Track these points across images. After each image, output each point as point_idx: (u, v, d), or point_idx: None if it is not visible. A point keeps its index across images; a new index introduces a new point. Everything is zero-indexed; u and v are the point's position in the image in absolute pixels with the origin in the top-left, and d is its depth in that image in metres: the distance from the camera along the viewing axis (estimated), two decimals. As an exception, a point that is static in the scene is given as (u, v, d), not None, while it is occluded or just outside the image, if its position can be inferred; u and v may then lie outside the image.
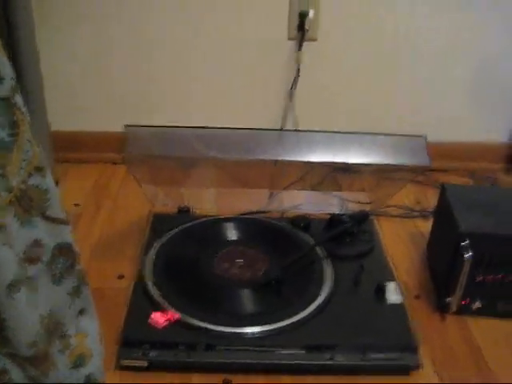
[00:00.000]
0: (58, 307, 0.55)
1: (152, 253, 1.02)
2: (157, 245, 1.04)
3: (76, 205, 1.28)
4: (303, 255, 1.01)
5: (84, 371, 0.59)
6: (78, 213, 1.25)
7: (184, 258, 1.02)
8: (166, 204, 1.22)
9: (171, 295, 0.91)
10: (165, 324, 0.87)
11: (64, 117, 1.38)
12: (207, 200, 1.27)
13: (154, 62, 1.35)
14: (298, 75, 1.33)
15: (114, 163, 1.43)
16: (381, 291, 0.95)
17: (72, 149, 1.41)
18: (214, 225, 1.11)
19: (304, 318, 0.88)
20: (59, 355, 0.55)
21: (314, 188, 1.28)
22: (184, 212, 1.17)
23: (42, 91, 1.27)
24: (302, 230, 1.10)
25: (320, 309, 0.90)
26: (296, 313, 0.88)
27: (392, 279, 0.99)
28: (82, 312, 0.59)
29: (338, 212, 1.16)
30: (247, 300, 0.94)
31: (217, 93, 1.39)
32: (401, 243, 1.17)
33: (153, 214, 1.17)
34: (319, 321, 0.89)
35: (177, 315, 0.87)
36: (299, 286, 0.95)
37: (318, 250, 1.04)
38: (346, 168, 1.27)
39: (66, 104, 1.38)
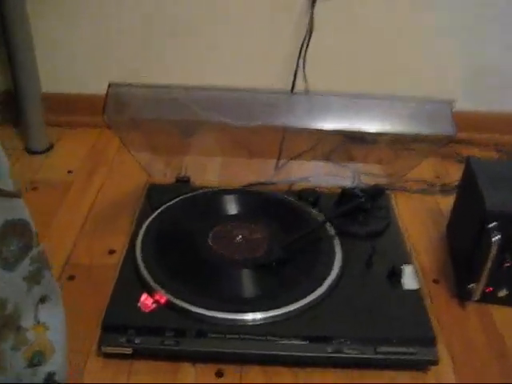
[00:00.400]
0: (12, 296, 0.46)
1: (144, 227, 0.92)
2: (150, 218, 0.95)
3: (69, 172, 1.18)
4: (310, 232, 0.91)
5: (43, 370, 0.50)
6: (69, 180, 1.16)
7: (178, 233, 0.92)
8: (165, 174, 1.12)
9: (161, 274, 0.82)
10: (152, 307, 0.78)
11: (57, 78, 1.28)
12: (208, 170, 1.17)
13: (154, 18, 1.23)
14: (310, 33, 1.20)
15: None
16: (395, 275, 0.85)
17: (66, 112, 1.31)
18: (213, 197, 1.01)
19: (308, 304, 0.79)
20: (12, 353, 0.46)
21: (324, 158, 1.18)
22: (183, 182, 1.07)
23: (31, 50, 1.17)
24: (310, 205, 1.00)
25: (327, 294, 0.81)
26: (299, 298, 0.79)
27: (408, 262, 0.89)
28: (42, 300, 0.50)
29: (350, 186, 1.05)
30: (245, 282, 0.84)
31: (220, 51, 1.27)
32: (419, 222, 1.06)
33: (148, 184, 1.07)
34: (325, 308, 0.79)
35: (165, 297, 0.79)
36: (304, 267, 0.85)
37: (327, 227, 0.94)
38: (360, 137, 1.15)
39: (58, 64, 1.28)
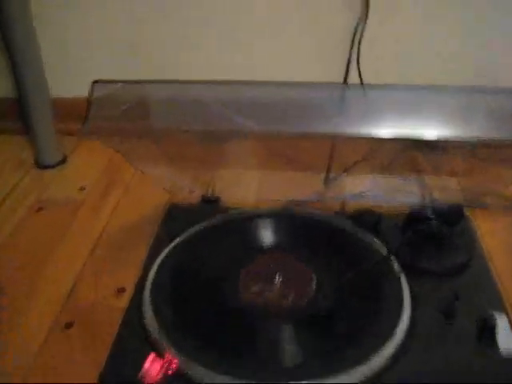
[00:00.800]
0: None
1: (158, 261, 0.74)
2: (166, 249, 0.76)
3: (81, 188, 1.01)
4: (369, 270, 0.70)
5: None
6: (80, 198, 0.99)
7: (199, 270, 0.73)
8: (191, 191, 0.93)
9: (174, 330, 0.63)
10: (158, 376, 0.59)
11: (68, 81, 1.12)
12: (243, 186, 0.98)
13: (177, 10, 1.05)
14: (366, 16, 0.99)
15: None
16: (488, 332, 0.63)
17: (81, 118, 1.15)
18: (244, 222, 0.81)
19: (369, 374, 0.58)
20: None
21: (385, 171, 0.96)
22: (210, 202, 0.88)
23: (37, 50, 1.00)
24: (368, 231, 0.79)
25: (392, 360, 0.60)
26: (356, 365, 0.58)
27: (502, 309, 0.67)
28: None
29: (419, 205, 0.83)
30: (285, 343, 0.64)
31: (257, 37, 1.08)
32: (510, 251, 0.83)
33: (168, 204, 0.89)
34: (392, 380, 0.58)
35: (176, 362, 0.59)
36: (362, 321, 0.64)
37: (392, 261, 0.72)
38: (430, 144, 0.93)
39: (68, 66, 1.12)
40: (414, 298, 0.67)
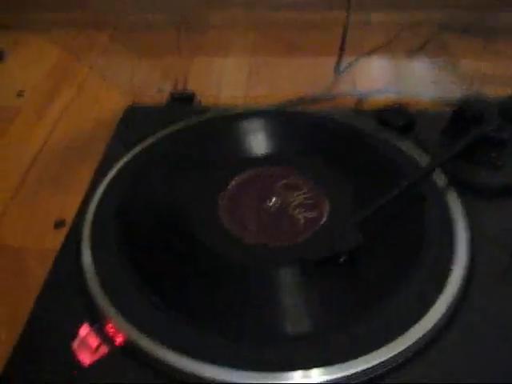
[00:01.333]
0: None
1: (104, 184, 0.52)
2: (116, 166, 0.54)
3: (19, 94, 0.78)
4: (406, 191, 0.48)
5: None
6: (16, 106, 0.76)
7: (161, 198, 0.51)
8: (161, 90, 0.70)
9: (121, 287, 0.42)
10: (98, 355, 0.39)
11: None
12: (228, 80, 0.74)
13: None
14: None
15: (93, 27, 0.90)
16: None
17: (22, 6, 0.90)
18: (229, 125, 0.57)
19: (412, 347, 0.38)
20: None
21: (416, 54, 0.73)
22: (182, 101, 0.65)
23: None
24: (398, 136, 0.57)
25: (446, 322, 0.40)
26: (394, 336, 0.38)
27: None
28: None
29: (465, 101, 0.60)
30: (286, 301, 0.43)
31: None
32: None
33: (126, 107, 0.66)
34: (447, 351, 0.38)
35: (121, 337, 0.39)
36: (400, 266, 0.43)
37: (437, 177, 0.51)
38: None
39: None
40: (471, 229, 0.46)
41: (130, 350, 0.39)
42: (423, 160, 0.52)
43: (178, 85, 0.69)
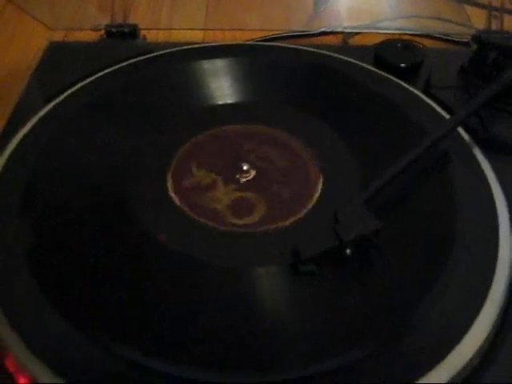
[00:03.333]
0: None
1: (15, 142, 0.37)
2: (32, 119, 0.39)
3: None
4: (424, 153, 0.35)
5: None
6: None
7: (84, 167, 0.36)
8: (98, 27, 0.55)
9: (29, 300, 0.28)
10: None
11: None
12: (180, 11, 0.59)
13: None
14: None
15: None
16: None
17: None
18: (180, 64, 0.42)
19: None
20: None
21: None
22: (121, 36, 0.50)
23: None
24: (403, 80, 0.43)
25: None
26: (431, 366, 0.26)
27: None
28: None
29: (486, 36, 0.47)
30: (269, 311, 0.29)
31: None
32: None
33: (49, 43, 0.51)
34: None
35: (25, 378, 0.26)
36: (426, 255, 0.31)
37: (461, 135, 0.38)
38: None
39: None
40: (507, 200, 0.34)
41: None
42: (438, 110, 0.40)
43: (115, 17, 0.54)
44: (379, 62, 0.46)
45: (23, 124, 0.39)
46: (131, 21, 0.54)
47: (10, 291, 0.29)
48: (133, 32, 0.50)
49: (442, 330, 0.27)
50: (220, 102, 0.41)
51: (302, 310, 0.29)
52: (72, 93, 0.41)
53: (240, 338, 0.27)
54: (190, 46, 0.44)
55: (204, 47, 0.44)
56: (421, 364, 0.25)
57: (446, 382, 0.25)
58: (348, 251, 0.29)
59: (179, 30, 0.56)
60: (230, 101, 0.41)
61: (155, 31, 0.55)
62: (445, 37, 0.55)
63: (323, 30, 0.55)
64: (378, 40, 0.48)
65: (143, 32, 0.52)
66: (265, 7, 0.60)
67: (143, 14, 0.59)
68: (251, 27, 0.56)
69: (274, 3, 0.60)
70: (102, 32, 0.52)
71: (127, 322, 0.28)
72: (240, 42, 0.50)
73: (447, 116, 0.39)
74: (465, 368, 0.26)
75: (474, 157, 0.36)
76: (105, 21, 0.55)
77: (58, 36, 0.58)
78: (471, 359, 0.26)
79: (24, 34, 0.60)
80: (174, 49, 0.43)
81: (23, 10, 0.59)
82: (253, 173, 0.35)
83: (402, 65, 0.45)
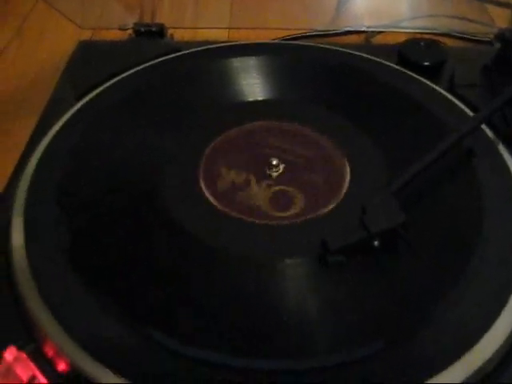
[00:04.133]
0: None
1: (45, 142, 0.38)
2: (62, 118, 0.40)
3: None
4: (451, 148, 0.36)
5: None
6: None
7: (117, 161, 0.37)
8: (126, 27, 0.56)
9: (68, 288, 0.30)
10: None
11: None
12: (206, 11, 0.60)
13: None
14: None
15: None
16: None
17: None
18: (209, 62, 0.43)
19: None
20: None
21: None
22: (149, 35, 0.51)
23: None
24: (427, 79, 0.44)
25: None
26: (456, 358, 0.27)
27: None
28: None
29: (507, 31, 0.48)
30: (301, 301, 0.30)
31: None
32: None
33: (78, 43, 0.52)
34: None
35: (65, 363, 0.27)
36: (453, 247, 0.32)
37: (485, 132, 0.39)
38: None
39: None
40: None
41: (77, 381, 0.27)
42: (462, 108, 0.41)
43: (144, 16, 0.55)
44: (403, 60, 0.46)
45: (55, 120, 0.40)
46: (157, 20, 0.56)
47: (48, 280, 0.30)
48: (160, 31, 0.51)
49: (462, 328, 0.27)
50: (250, 99, 0.42)
51: (327, 302, 0.29)
52: (103, 90, 0.42)
53: (270, 327, 0.28)
54: (219, 45, 0.45)
55: (233, 46, 0.45)
56: (437, 361, 0.26)
57: (462, 382, 0.26)
58: (376, 243, 0.30)
59: (204, 28, 0.58)
60: (259, 98, 0.42)
61: (181, 30, 0.56)
62: (466, 36, 0.55)
63: (348, 29, 0.55)
64: (399, 39, 0.49)
65: (170, 31, 0.53)
66: (287, 7, 0.61)
67: (168, 13, 0.60)
68: (274, 26, 0.57)
69: (296, 3, 0.61)
70: (130, 31, 0.53)
71: (167, 313, 0.29)
72: (267, 40, 0.51)
73: (471, 114, 0.40)
74: (482, 368, 0.26)
75: (498, 153, 0.37)
76: (131, 20, 0.57)
77: (85, 35, 0.59)
78: (490, 359, 0.27)
79: (53, 33, 0.62)
80: (204, 47, 0.44)
81: (53, 8, 0.60)
82: (282, 167, 0.36)
83: (426, 63, 0.46)
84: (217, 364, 0.26)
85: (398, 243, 0.30)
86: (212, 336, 0.28)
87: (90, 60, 0.48)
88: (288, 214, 0.33)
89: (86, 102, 0.41)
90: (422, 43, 0.47)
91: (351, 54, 0.44)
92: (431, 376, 0.25)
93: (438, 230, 0.32)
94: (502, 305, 0.28)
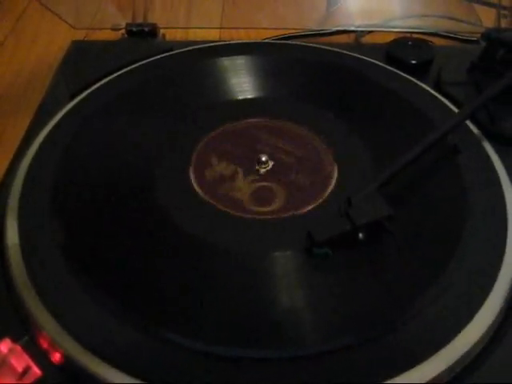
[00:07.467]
0: None
1: (40, 138, 0.39)
2: (58, 114, 0.41)
3: None
4: (435, 144, 0.37)
5: None
6: None
7: (110, 157, 0.38)
8: (118, 27, 0.56)
9: (62, 280, 0.30)
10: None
11: None
12: (197, 11, 0.61)
13: None
14: None
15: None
16: None
17: None
18: (201, 61, 0.44)
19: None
20: None
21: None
22: (141, 35, 0.52)
23: None
24: (414, 77, 0.45)
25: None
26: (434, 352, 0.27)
27: None
28: None
29: (496, 35, 0.49)
30: (291, 296, 0.31)
31: None
32: None
33: (71, 42, 0.53)
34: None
35: (59, 354, 0.28)
36: (438, 241, 0.33)
37: (469, 128, 0.40)
38: None
39: None
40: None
41: (71, 372, 0.28)
42: (447, 105, 0.41)
43: (136, 17, 0.56)
44: (391, 59, 0.47)
45: (49, 119, 0.41)
46: (149, 20, 0.56)
47: (42, 274, 0.31)
48: (153, 31, 0.52)
49: (444, 319, 0.28)
50: (240, 97, 0.43)
51: (311, 293, 0.30)
52: (97, 89, 0.43)
53: (258, 317, 0.29)
54: (210, 44, 0.46)
55: (224, 45, 0.46)
56: (419, 351, 0.27)
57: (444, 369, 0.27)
58: (361, 235, 0.31)
59: (196, 28, 0.58)
60: (249, 96, 0.43)
61: (173, 30, 0.57)
62: (454, 35, 0.56)
63: (338, 29, 0.56)
64: (388, 38, 0.50)
65: (162, 31, 0.54)
66: (279, 7, 0.62)
67: (160, 14, 0.60)
68: (265, 26, 0.58)
69: (288, 3, 0.62)
70: (122, 31, 0.54)
71: (160, 305, 0.30)
72: (257, 40, 0.51)
73: (456, 110, 0.41)
74: (455, 365, 0.27)
75: (482, 149, 0.38)
76: (123, 20, 0.57)
77: (78, 35, 0.60)
78: (472, 348, 0.27)
79: (47, 33, 0.62)
80: (195, 46, 0.45)
81: (47, 8, 0.61)
82: (271, 164, 0.37)
83: (413, 62, 0.47)
84: (201, 352, 0.27)
85: (383, 236, 0.31)
86: (194, 326, 0.29)
87: (83, 59, 0.49)
88: (266, 209, 0.34)
89: (80, 101, 0.42)
90: (409, 42, 0.48)
91: (340, 52, 0.45)
92: (401, 372, 0.26)
93: (422, 225, 0.33)
94: (483, 299, 0.29)
